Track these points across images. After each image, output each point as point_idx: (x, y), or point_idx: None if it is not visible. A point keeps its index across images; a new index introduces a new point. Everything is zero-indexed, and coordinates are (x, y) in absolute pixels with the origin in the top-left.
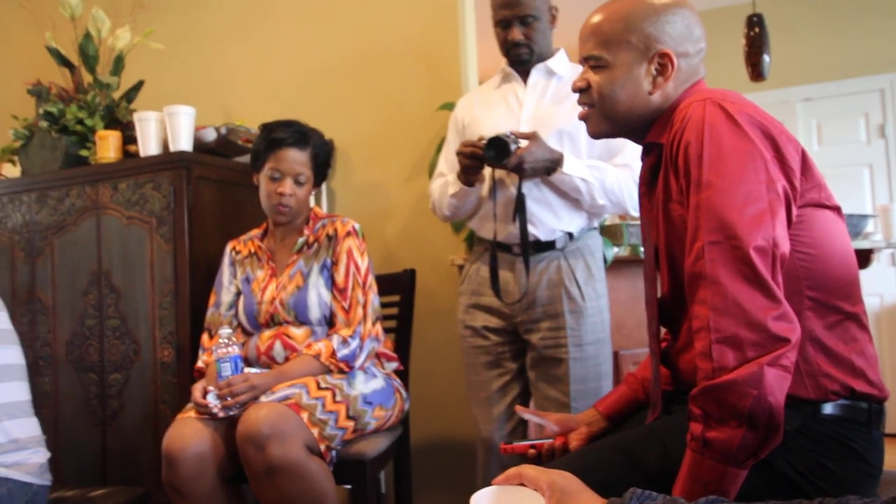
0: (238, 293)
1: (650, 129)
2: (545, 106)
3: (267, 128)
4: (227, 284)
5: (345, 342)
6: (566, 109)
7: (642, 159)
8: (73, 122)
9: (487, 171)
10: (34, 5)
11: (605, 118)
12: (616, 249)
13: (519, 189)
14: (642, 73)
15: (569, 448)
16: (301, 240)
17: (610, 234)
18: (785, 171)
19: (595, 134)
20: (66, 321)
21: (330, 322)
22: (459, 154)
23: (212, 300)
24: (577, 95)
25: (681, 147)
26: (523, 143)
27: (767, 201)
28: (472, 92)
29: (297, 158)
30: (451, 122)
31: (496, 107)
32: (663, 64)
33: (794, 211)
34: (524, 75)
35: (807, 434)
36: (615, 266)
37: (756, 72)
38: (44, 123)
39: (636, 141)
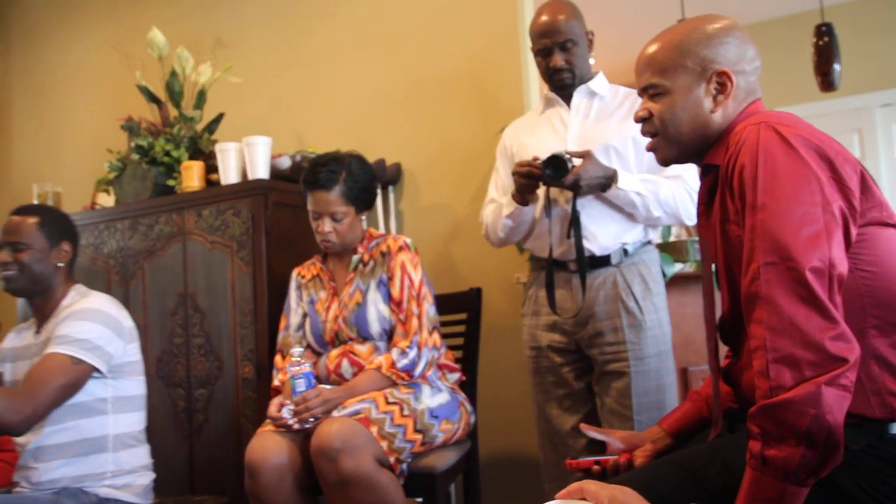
0: (305, 315)
1: (708, 151)
2: (590, 125)
3: (308, 166)
4: (294, 308)
5: (403, 353)
6: (611, 126)
7: (700, 180)
8: (161, 154)
9: (541, 190)
10: (126, 48)
11: (670, 143)
12: (678, 266)
13: (573, 206)
14: (702, 93)
15: (633, 465)
16: (356, 257)
17: (675, 250)
18: (842, 192)
19: (664, 161)
20: (156, 340)
21: (391, 336)
22: (515, 174)
23: (282, 324)
24: (620, 112)
25: (735, 170)
26: (577, 161)
27: (823, 222)
28: (517, 120)
29: (328, 199)
30: (500, 150)
31: (541, 130)
32: (722, 82)
33: (854, 231)
34: (567, 99)
35: (874, 453)
36: (682, 282)
37: (826, 82)
38: (135, 156)
39: (696, 163)
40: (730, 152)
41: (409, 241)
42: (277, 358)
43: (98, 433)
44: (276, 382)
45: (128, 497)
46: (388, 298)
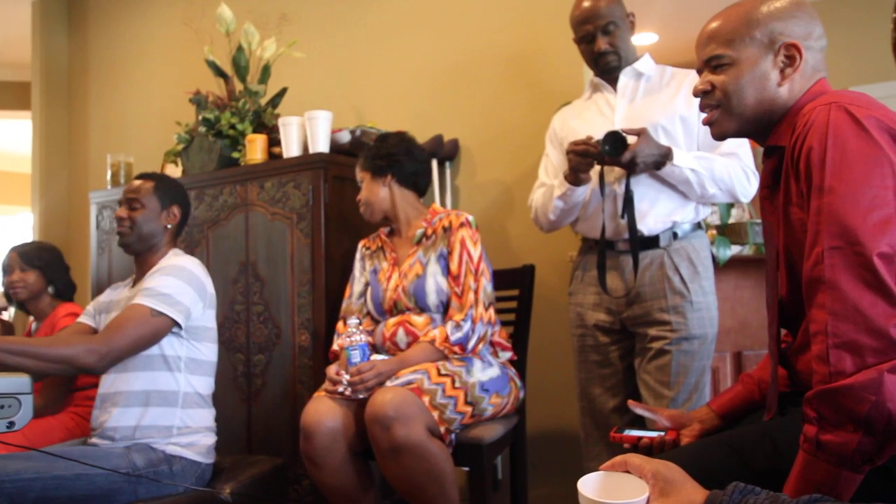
0: (367, 284)
1: (772, 131)
2: (637, 105)
3: None
4: (357, 277)
5: (457, 326)
6: (659, 105)
7: (764, 162)
8: (227, 127)
9: (594, 170)
10: (195, 24)
11: (731, 116)
12: (734, 249)
13: (627, 185)
14: (769, 65)
15: (679, 444)
16: (420, 231)
17: (733, 232)
18: None
19: (720, 135)
20: (218, 306)
21: (447, 309)
22: (570, 152)
23: (346, 293)
24: (668, 91)
25: (803, 151)
26: (632, 139)
27: (894, 207)
28: (565, 107)
29: (357, 169)
30: (549, 136)
31: (589, 114)
32: (790, 55)
33: None
34: (613, 83)
35: None
36: (739, 266)
37: None
38: (202, 128)
39: (759, 143)
40: (797, 133)
41: (470, 218)
42: (339, 324)
43: (170, 388)
44: (335, 347)
45: (192, 455)
46: (447, 272)
